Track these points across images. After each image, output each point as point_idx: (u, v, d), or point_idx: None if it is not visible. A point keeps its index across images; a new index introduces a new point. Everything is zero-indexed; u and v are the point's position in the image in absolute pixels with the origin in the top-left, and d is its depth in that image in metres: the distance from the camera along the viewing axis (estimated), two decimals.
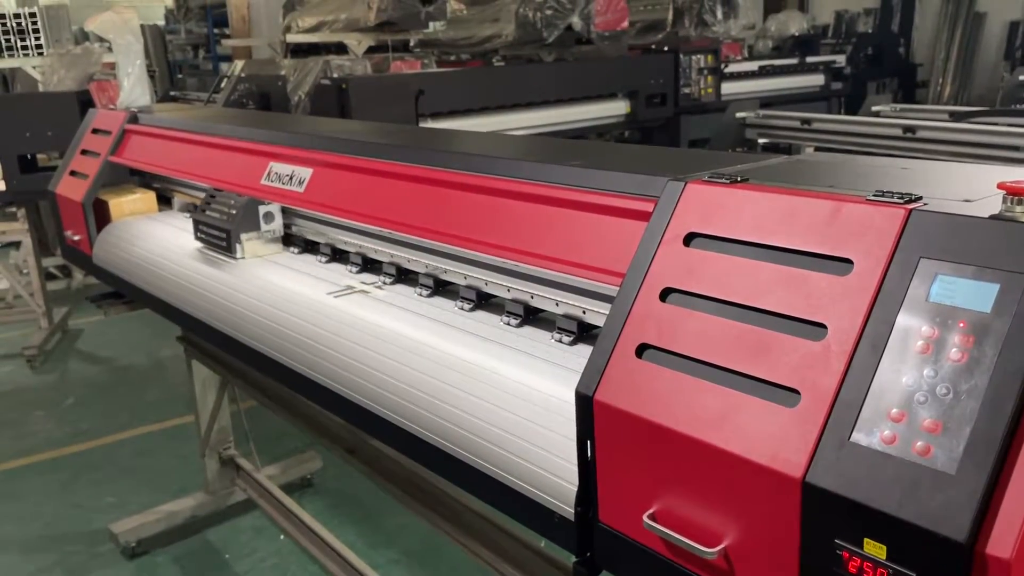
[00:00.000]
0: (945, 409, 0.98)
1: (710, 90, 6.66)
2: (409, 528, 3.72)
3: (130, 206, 3.21)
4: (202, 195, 3.11)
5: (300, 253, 2.55)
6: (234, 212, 2.50)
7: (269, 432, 4.46)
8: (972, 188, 1.21)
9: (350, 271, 2.35)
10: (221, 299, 2.38)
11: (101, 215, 3.22)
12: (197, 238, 2.66)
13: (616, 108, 6.38)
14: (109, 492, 4.26)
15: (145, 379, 5.74)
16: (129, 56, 3.37)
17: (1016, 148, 3.17)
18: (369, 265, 2.34)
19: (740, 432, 1.13)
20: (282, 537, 3.69)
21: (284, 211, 2.53)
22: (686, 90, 6.54)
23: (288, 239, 2.60)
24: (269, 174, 2.49)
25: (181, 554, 3.75)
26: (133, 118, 3.30)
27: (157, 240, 2.93)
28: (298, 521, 3.24)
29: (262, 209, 2.50)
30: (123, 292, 3.14)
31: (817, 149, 3.76)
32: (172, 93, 8.75)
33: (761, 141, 4.01)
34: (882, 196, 1.15)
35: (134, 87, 3.40)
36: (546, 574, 1.98)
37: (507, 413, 1.53)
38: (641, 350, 1.29)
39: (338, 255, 2.46)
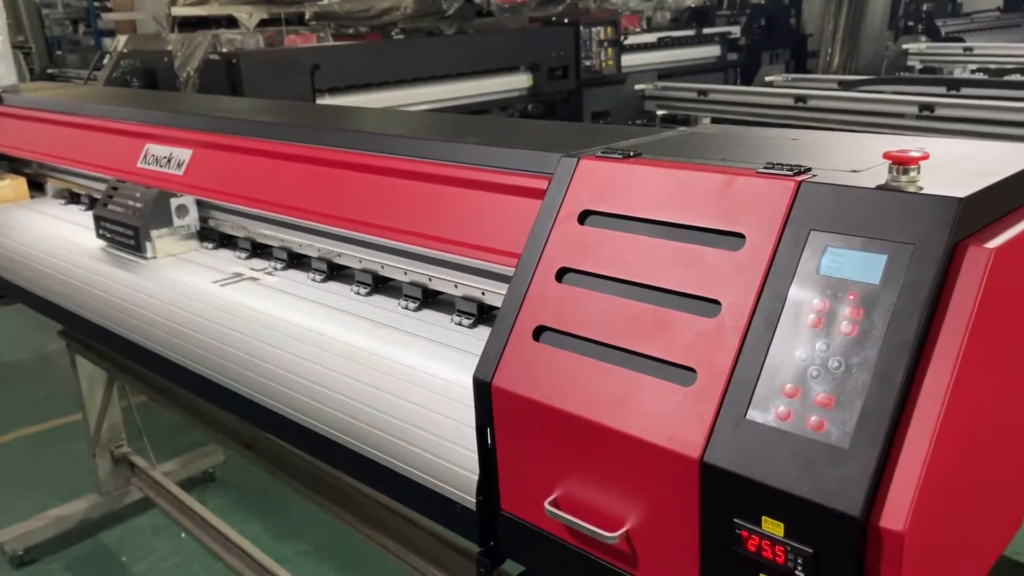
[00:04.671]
0: (837, 383, 0.97)
1: (611, 62, 6.67)
2: (317, 519, 3.62)
3: None
4: (78, 180, 2.91)
5: (216, 248, 2.34)
6: (141, 206, 2.29)
7: (166, 426, 4.27)
8: (860, 158, 1.21)
9: (238, 257, 2.23)
10: (122, 300, 2.19)
11: None
12: (99, 236, 2.40)
13: (518, 81, 6.32)
14: None
15: (28, 376, 5.41)
16: None
17: (901, 115, 3.28)
18: (259, 250, 2.23)
19: (637, 413, 1.10)
20: (183, 535, 3.54)
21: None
22: (587, 63, 6.52)
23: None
24: (146, 156, 2.34)
25: (74, 560, 3.56)
26: None
27: (33, 231, 2.72)
28: (198, 518, 3.11)
29: (174, 202, 2.25)
30: None
31: (714, 120, 3.81)
32: (50, 71, 8.23)
33: (660, 113, 4.04)
34: (772, 168, 1.14)
35: None
36: (453, 562, 1.94)
37: (405, 402, 1.48)
38: (538, 333, 1.25)
39: (226, 240, 2.34)
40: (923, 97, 3.32)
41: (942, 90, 4.00)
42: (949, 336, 0.93)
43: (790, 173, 1.12)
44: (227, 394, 1.82)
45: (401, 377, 1.52)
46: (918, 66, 6.48)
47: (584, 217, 1.29)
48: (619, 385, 1.13)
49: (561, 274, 1.27)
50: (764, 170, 1.14)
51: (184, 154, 2.22)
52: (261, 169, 2.04)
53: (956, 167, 1.13)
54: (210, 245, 2.34)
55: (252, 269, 2.13)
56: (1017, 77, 4.52)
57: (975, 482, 1.05)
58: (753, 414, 1.01)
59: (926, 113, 3.19)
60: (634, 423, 1.10)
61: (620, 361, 1.15)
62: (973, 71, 4.98)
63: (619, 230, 1.24)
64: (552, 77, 6.36)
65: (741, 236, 1.11)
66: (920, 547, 0.92)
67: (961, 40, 8.13)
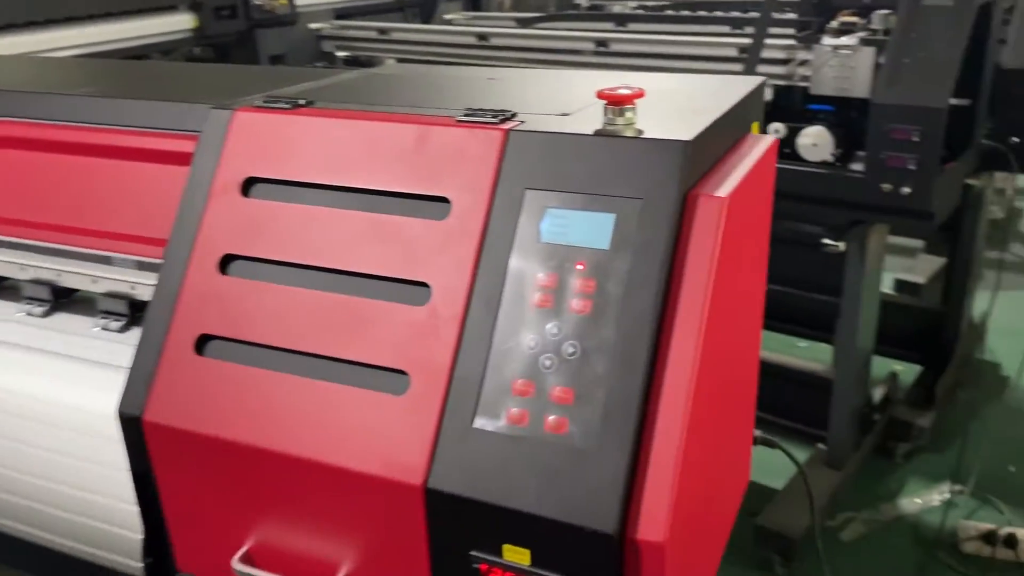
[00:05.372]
0: (575, 372, 0.81)
1: (284, 1, 6.16)
2: None
3: None
4: None
5: None
6: None
7: None
8: (566, 98, 1.06)
9: None
10: None
11: None
12: None
13: (179, 22, 5.59)
14: None
15: None
16: None
17: (579, 52, 3.28)
18: None
19: (341, 436, 0.87)
20: None
21: None
22: (258, 1, 5.96)
23: None
24: None
25: None
26: None
27: None
28: None
29: None
30: None
31: (399, 61, 3.59)
32: None
33: (340, 55, 3.73)
34: (473, 116, 0.94)
35: None
36: None
37: (34, 450, 1.11)
38: (202, 343, 0.96)
39: None
40: (599, 33, 3.36)
41: (612, 25, 4.11)
42: (689, 303, 0.81)
43: (494, 120, 0.92)
44: None
45: (25, 415, 1.14)
46: (584, 3, 6.74)
47: (248, 187, 1.01)
48: (314, 402, 0.89)
49: (225, 263, 0.98)
50: (465, 118, 0.94)
51: None
52: None
53: (669, 104, 1.01)
54: None
55: None
56: (670, 12, 4.80)
57: (714, 460, 0.96)
58: (481, 421, 0.83)
59: (602, 49, 3.22)
60: (337, 449, 0.87)
61: (312, 370, 0.91)
62: (634, 8, 5.23)
63: (295, 201, 0.98)
64: (219, 17, 5.72)
65: (445, 201, 0.90)
66: (678, 551, 0.80)
67: None
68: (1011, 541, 2.60)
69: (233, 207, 1.00)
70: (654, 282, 0.80)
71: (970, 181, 2.80)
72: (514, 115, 0.94)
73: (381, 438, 0.85)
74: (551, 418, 0.80)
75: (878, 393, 3.07)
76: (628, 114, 0.89)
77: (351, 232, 0.93)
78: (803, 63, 2.56)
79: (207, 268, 0.98)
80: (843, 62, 2.51)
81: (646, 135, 0.86)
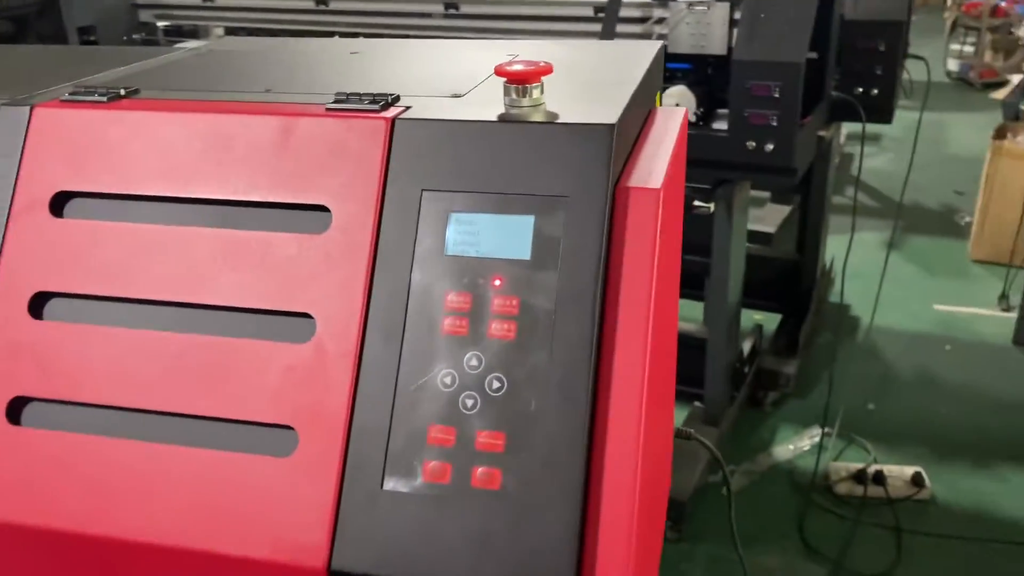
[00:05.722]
0: (504, 411, 0.67)
1: None
2: None
3: None
4: None
5: None
6: None
7: None
8: (451, 75, 0.90)
9: None
10: None
11: None
12: None
13: None
14: None
15: None
16: None
17: (428, 15, 3.10)
18: None
19: (214, 515, 0.69)
20: None
21: None
22: None
23: None
24: None
25: None
26: None
27: None
28: None
29: None
30: None
31: (228, 32, 3.27)
32: None
33: (161, 24, 3.35)
34: (346, 101, 0.77)
35: None
36: None
37: None
38: (16, 409, 0.75)
39: None
40: None
41: None
42: (632, 316, 0.68)
43: (375, 107, 0.76)
44: None
45: None
46: None
47: (60, 204, 0.80)
48: (175, 474, 0.71)
49: (38, 304, 0.77)
50: (336, 105, 0.77)
51: None
52: None
53: (574, 79, 0.87)
54: None
55: None
56: None
57: (657, 474, 0.85)
58: (392, 482, 0.67)
59: (452, 11, 3.05)
60: (211, 532, 0.69)
61: (168, 434, 0.72)
62: None
63: (125, 219, 0.78)
64: None
65: (323, 209, 0.73)
66: None
67: None
68: (879, 478, 2.71)
69: (42, 231, 0.78)
70: (589, 295, 0.67)
71: (821, 133, 2.85)
72: (396, 99, 0.78)
73: (266, 512, 0.68)
74: (480, 470, 0.66)
75: (747, 346, 3.12)
76: (535, 93, 0.75)
77: (203, 255, 0.75)
78: (660, 21, 2.50)
79: (14, 312, 0.77)
80: (699, 19, 2.47)
81: (563, 119, 0.72)
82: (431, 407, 0.68)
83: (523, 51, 0.99)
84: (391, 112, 0.75)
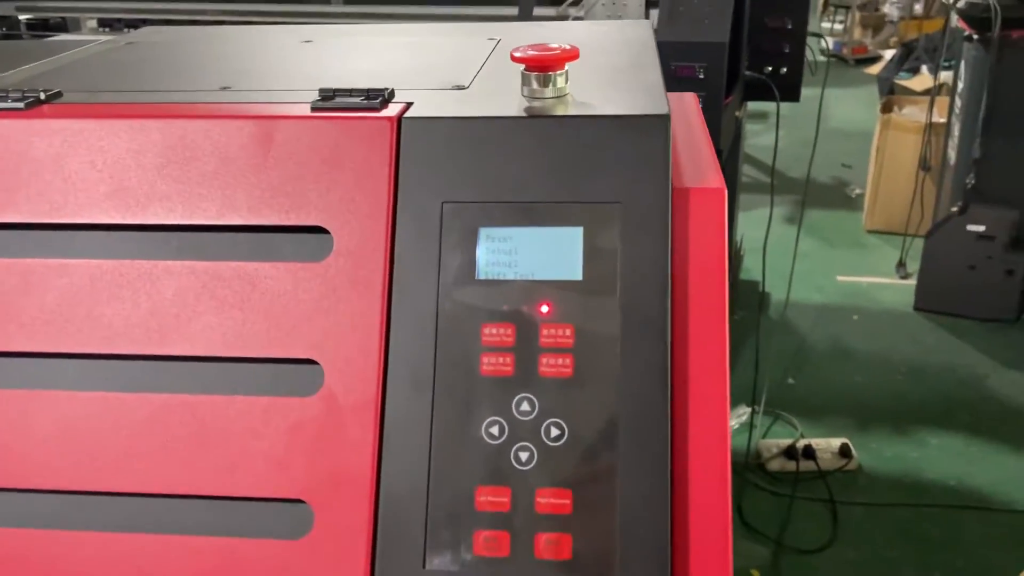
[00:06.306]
0: (567, 463, 0.57)
1: None
2: None
3: None
4: None
5: None
6: None
7: None
8: (440, 64, 0.78)
9: None
10: None
11: None
12: None
13: None
14: None
15: None
16: None
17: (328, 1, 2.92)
18: None
19: None
20: None
21: None
22: None
23: None
24: None
25: None
26: None
27: None
28: None
29: None
30: None
31: (102, 23, 2.98)
32: None
33: (23, 18, 3.02)
34: (334, 99, 0.64)
35: None
36: None
37: None
38: None
39: None
40: None
41: None
42: (707, 338, 0.58)
43: (371, 105, 0.63)
44: None
45: None
46: None
47: None
48: (160, 570, 0.57)
49: None
50: (323, 104, 0.63)
51: None
52: None
53: (588, 64, 0.76)
54: None
55: None
56: None
57: None
58: (438, 558, 0.56)
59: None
60: None
61: (144, 521, 0.58)
62: None
63: (65, 255, 0.62)
64: None
65: (322, 231, 0.60)
66: None
67: None
68: (809, 452, 2.75)
69: None
70: (660, 318, 0.57)
71: (736, 113, 2.85)
72: (392, 94, 0.66)
73: None
74: (545, 537, 0.56)
75: None
76: (559, 82, 0.64)
77: (169, 295, 0.60)
78: (576, 3, 2.42)
79: None
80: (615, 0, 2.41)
81: (598, 111, 0.61)
82: (477, 465, 0.56)
83: (505, 34, 0.87)
84: (393, 110, 0.62)
